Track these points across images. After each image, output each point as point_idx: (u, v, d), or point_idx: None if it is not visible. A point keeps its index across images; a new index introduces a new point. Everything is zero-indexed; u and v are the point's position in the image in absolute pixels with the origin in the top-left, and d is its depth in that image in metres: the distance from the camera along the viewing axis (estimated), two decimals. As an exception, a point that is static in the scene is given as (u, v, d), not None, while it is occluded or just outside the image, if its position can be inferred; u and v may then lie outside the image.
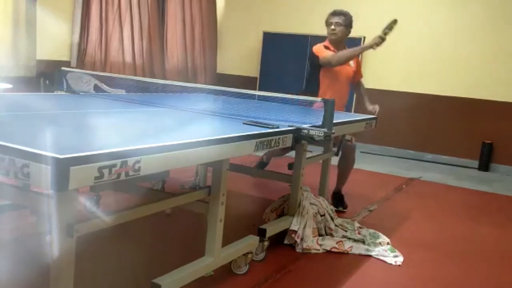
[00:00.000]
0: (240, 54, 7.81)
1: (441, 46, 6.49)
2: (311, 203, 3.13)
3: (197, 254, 2.35)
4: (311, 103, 3.68)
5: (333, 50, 3.88)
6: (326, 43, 3.97)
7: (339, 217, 3.35)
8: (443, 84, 6.51)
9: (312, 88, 3.95)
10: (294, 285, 2.53)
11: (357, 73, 4.14)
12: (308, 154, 3.24)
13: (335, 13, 3.94)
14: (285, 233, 3.02)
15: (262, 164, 4.59)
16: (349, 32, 4.01)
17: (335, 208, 3.68)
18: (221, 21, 7.84)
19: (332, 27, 3.90)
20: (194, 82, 6.75)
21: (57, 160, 1.28)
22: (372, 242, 3.09)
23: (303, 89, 4.28)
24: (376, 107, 4.01)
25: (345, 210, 3.91)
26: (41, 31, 4.93)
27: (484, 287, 2.75)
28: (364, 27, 6.78)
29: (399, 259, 2.93)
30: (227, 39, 7.94)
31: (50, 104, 2.70)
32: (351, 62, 3.98)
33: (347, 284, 2.58)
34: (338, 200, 3.97)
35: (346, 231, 3.18)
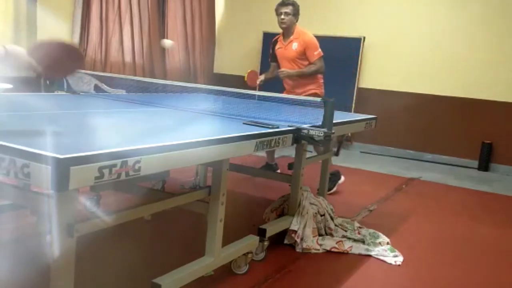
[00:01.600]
0: (240, 54, 7.81)
1: (441, 46, 6.49)
2: (311, 203, 3.13)
3: (197, 254, 2.35)
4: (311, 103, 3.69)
5: (281, 40, 4.39)
6: (279, 36, 4.45)
7: (339, 217, 3.35)
8: (443, 84, 6.51)
9: None
10: (294, 285, 2.53)
11: (306, 56, 4.31)
12: (308, 154, 3.25)
13: (283, 3, 4.30)
14: (285, 233, 3.02)
15: (270, 167, 4.71)
16: (297, 19, 4.35)
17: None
18: (221, 22, 7.85)
19: (282, 16, 4.28)
20: (193, 82, 6.75)
21: (57, 160, 1.28)
22: (372, 242, 3.09)
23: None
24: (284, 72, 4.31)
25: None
26: (41, 31, 4.93)
27: (484, 287, 2.75)
28: (364, 28, 6.81)
29: (399, 259, 2.93)
30: (227, 39, 7.95)
31: (51, 104, 2.70)
32: (295, 44, 4.30)
33: (347, 284, 2.59)
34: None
35: (346, 231, 3.18)
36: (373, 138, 6.82)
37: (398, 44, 6.73)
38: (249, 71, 4.51)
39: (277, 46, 4.46)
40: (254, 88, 4.40)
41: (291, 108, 3.58)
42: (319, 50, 4.28)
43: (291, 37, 4.32)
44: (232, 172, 2.88)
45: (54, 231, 1.66)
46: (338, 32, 6.66)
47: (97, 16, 5.55)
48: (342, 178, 4.46)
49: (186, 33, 6.88)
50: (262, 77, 4.50)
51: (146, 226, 3.09)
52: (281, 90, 4.44)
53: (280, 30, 4.42)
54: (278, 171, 4.61)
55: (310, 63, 4.29)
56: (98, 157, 1.39)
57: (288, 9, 4.25)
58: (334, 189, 4.36)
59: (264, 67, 7.40)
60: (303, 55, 4.28)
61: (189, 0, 6.86)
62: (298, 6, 4.32)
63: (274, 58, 4.52)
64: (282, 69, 4.32)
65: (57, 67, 1.82)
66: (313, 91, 4.32)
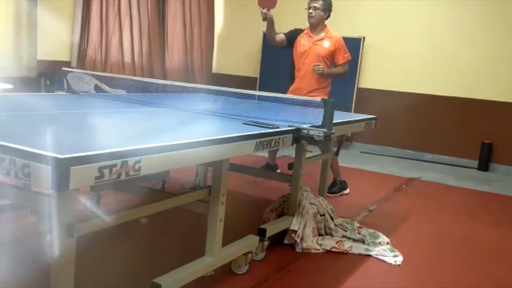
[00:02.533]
0: (240, 55, 7.81)
1: (441, 46, 6.49)
2: (311, 203, 3.13)
3: (197, 254, 2.35)
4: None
5: (310, 34, 4.22)
6: (306, 27, 4.27)
7: (338, 217, 3.35)
8: (443, 84, 6.51)
9: (292, 71, 4.40)
10: (294, 284, 2.53)
11: (334, 57, 4.23)
12: (308, 154, 3.25)
13: None
14: (285, 233, 3.02)
15: (270, 167, 4.75)
16: (328, 15, 4.21)
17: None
18: (221, 22, 7.85)
19: (310, 10, 4.15)
20: (193, 82, 6.76)
21: (57, 160, 1.29)
22: (371, 241, 3.09)
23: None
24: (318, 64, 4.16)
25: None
26: (42, 31, 4.94)
27: (484, 286, 2.75)
28: (364, 28, 6.81)
29: (399, 259, 2.94)
30: (227, 40, 7.95)
31: (51, 104, 2.70)
32: (326, 42, 4.18)
33: (346, 283, 2.59)
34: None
35: (346, 231, 3.18)
36: (373, 138, 6.82)
37: (398, 44, 6.73)
38: None
39: (301, 39, 4.25)
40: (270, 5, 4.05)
41: (291, 108, 3.58)
42: (348, 53, 4.22)
43: (322, 34, 4.20)
44: (232, 172, 2.88)
45: (54, 231, 1.66)
46: (338, 32, 6.65)
47: (97, 16, 5.55)
48: (348, 190, 4.41)
49: (185, 33, 6.88)
50: (270, 13, 4.10)
51: (146, 226, 3.09)
52: (285, 90, 4.36)
53: (284, 31, 4.30)
54: (278, 171, 4.61)
55: (337, 65, 4.21)
56: (98, 157, 1.39)
57: (318, 3, 4.11)
58: (338, 194, 4.34)
59: (264, 67, 7.42)
60: (332, 55, 4.20)
61: (189, 1, 6.86)
62: (330, 1, 4.17)
63: (290, 40, 4.27)
64: (319, 64, 4.13)
65: None
66: (319, 96, 4.15)
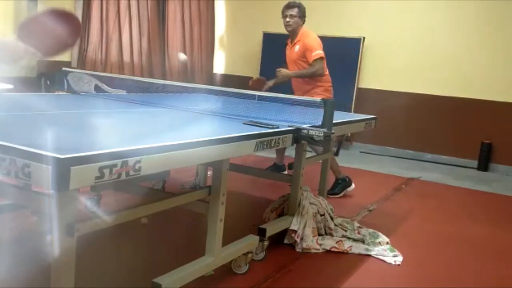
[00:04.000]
0: (240, 55, 7.81)
1: (441, 47, 6.49)
2: (311, 203, 3.14)
3: (197, 254, 2.35)
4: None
5: (289, 43, 4.41)
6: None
7: (338, 217, 3.36)
8: (443, 84, 6.51)
9: None
10: (294, 284, 2.53)
11: (304, 57, 4.30)
12: (308, 154, 3.25)
13: (288, 6, 4.30)
14: (285, 232, 3.02)
15: (278, 168, 4.74)
16: (303, 21, 4.34)
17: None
18: (221, 22, 7.85)
19: (287, 19, 4.28)
20: (192, 82, 6.76)
21: (58, 160, 1.29)
22: (371, 241, 3.09)
23: None
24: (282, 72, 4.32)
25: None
26: (41, 31, 4.93)
27: (484, 286, 2.75)
28: (364, 28, 6.81)
29: (399, 259, 2.94)
30: (227, 40, 7.95)
31: (51, 104, 2.71)
32: (297, 47, 4.32)
33: (346, 283, 2.59)
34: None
35: (345, 230, 3.19)
36: (372, 138, 6.83)
37: (398, 44, 6.73)
38: (254, 78, 4.54)
39: (287, 48, 4.49)
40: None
41: (291, 108, 3.58)
42: (318, 51, 4.20)
43: (296, 39, 4.33)
44: (232, 172, 2.88)
45: (55, 230, 1.66)
46: (337, 32, 6.66)
47: (98, 16, 5.55)
48: (353, 185, 4.39)
49: (186, 33, 6.89)
50: (270, 83, 4.42)
51: (146, 226, 3.10)
52: (285, 91, 4.37)
53: (284, 31, 4.42)
54: (285, 172, 4.60)
55: (309, 65, 4.27)
56: (99, 157, 1.39)
57: (294, 11, 4.24)
58: (341, 194, 4.33)
59: (264, 67, 7.41)
60: (304, 57, 4.27)
61: (189, 1, 6.87)
62: (304, 8, 4.32)
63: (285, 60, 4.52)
64: (280, 69, 4.32)
65: (54, 40, 1.47)
66: (319, 96, 4.16)
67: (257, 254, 2.74)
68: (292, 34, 4.35)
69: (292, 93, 4.44)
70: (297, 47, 4.30)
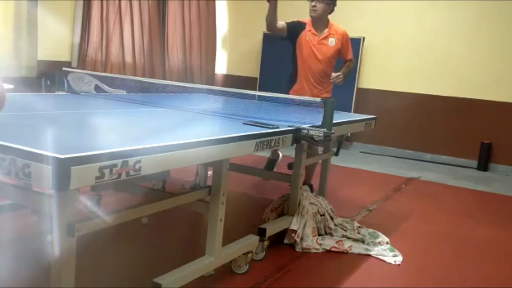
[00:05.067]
0: (240, 55, 7.82)
1: (440, 47, 6.49)
2: (310, 203, 3.14)
3: (197, 254, 2.36)
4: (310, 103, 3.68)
5: (313, 32, 3.95)
6: (306, 20, 3.99)
7: (338, 216, 3.36)
8: (442, 85, 6.51)
9: (292, 68, 4.11)
10: (294, 284, 2.54)
11: (341, 52, 4.06)
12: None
13: None
14: (285, 232, 3.03)
15: (271, 162, 4.60)
16: (331, 9, 3.96)
17: None
18: (221, 22, 7.85)
19: (313, 3, 3.88)
20: (194, 82, 6.76)
21: (58, 160, 1.29)
22: (371, 241, 3.10)
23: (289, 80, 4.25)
24: (336, 74, 3.97)
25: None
26: (42, 31, 4.94)
27: (483, 286, 2.76)
28: (364, 28, 6.81)
29: (398, 259, 2.94)
30: (227, 40, 7.95)
31: (51, 105, 2.71)
32: (332, 40, 3.97)
33: (346, 283, 2.60)
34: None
35: (345, 230, 3.19)
36: (372, 138, 6.83)
37: (397, 44, 6.73)
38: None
39: (306, 35, 3.96)
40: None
41: (291, 108, 3.59)
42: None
43: (326, 31, 3.96)
44: (232, 172, 2.88)
45: (55, 230, 1.66)
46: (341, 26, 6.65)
47: (98, 16, 5.55)
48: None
49: (186, 34, 6.89)
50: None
51: (146, 226, 3.10)
52: (285, 91, 4.15)
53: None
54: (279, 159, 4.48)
55: (346, 61, 4.07)
56: (99, 157, 1.39)
57: None
58: None
59: (264, 67, 7.42)
60: (338, 52, 4.01)
61: (190, 2, 6.87)
62: None
63: (292, 33, 3.96)
64: (339, 75, 3.93)
65: None
66: (326, 95, 4.08)
67: (257, 254, 2.74)
68: (317, 22, 3.93)
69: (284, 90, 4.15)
70: (332, 41, 3.95)
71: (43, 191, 1.69)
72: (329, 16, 4.04)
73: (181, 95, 4.05)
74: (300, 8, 4.19)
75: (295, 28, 3.98)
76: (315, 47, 3.96)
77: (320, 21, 3.95)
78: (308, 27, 3.98)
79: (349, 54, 4.07)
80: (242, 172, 3.63)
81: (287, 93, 4.05)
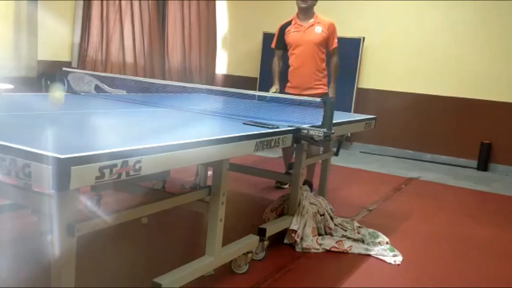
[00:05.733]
0: (240, 55, 7.82)
1: (440, 47, 6.50)
2: (310, 203, 3.14)
3: (197, 254, 2.36)
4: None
5: (299, 23, 4.12)
6: (291, 17, 4.19)
7: (338, 216, 3.36)
8: (442, 85, 6.52)
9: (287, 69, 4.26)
10: (294, 284, 2.54)
11: (328, 43, 4.17)
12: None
13: None
14: (285, 232, 3.03)
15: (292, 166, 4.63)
16: (316, 1, 4.16)
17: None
18: (221, 22, 7.85)
19: None
20: (194, 82, 6.76)
21: (58, 160, 1.29)
22: (371, 241, 3.10)
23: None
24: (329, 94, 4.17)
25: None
26: (42, 31, 4.94)
27: (483, 286, 2.76)
28: (364, 28, 6.81)
29: (398, 259, 2.94)
30: (227, 40, 7.96)
31: (51, 105, 2.71)
32: (318, 28, 4.10)
33: (346, 283, 2.60)
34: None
35: (345, 230, 3.19)
36: (372, 138, 6.84)
37: (397, 44, 6.73)
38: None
39: (291, 30, 4.15)
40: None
41: (291, 108, 3.59)
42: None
43: (312, 21, 4.11)
44: (232, 172, 2.89)
45: (55, 230, 1.67)
46: (337, 32, 6.65)
47: (98, 17, 5.56)
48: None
49: (186, 34, 6.89)
50: (274, 88, 4.24)
51: (146, 226, 3.10)
52: (282, 89, 4.29)
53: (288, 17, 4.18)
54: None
55: (329, 51, 4.16)
56: (99, 157, 1.39)
57: None
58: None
59: (264, 67, 7.42)
60: (326, 41, 4.11)
61: (190, 2, 6.87)
62: None
63: (282, 44, 4.22)
64: (330, 90, 4.15)
65: None
66: (321, 91, 4.16)
67: (257, 254, 2.74)
68: (304, 13, 4.10)
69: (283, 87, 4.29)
70: (318, 29, 4.08)
71: (43, 191, 1.69)
72: (334, 17, 4.24)
73: (181, 95, 4.05)
74: (316, 9, 4.30)
75: (281, 37, 4.22)
76: (303, 34, 4.11)
77: (308, 12, 4.11)
78: (294, 21, 4.16)
79: (334, 43, 4.17)
80: (242, 172, 3.63)
81: (283, 92, 4.15)
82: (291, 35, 4.15)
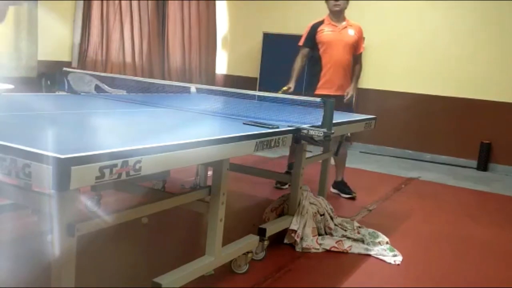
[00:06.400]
0: (240, 55, 7.82)
1: (440, 47, 6.50)
2: (310, 203, 3.14)
3: (197, 254, 2.36)
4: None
5: (332, 23, 4.17)
6: (325, 17, 4.24)
7: (338, 216, 3.36)
8: (442, 85, 6.52)
9: (314, 70, 4.23)
10: (294, 284, 2.54)
11: (356, 47, 4.25)
12: (308, 154, 3.26)
13: None
14: (285, 232, 3.03)
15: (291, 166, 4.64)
16: (348, 3, 4.24)
17: (346, 195, 4.26)
18: (221, 22, 7.86)
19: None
20: (194, 82, 6.77)
21: (58, 160, 1.29)
22: (371, 241, 3.10)
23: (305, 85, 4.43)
24: (350, 91, 4.20)
25: (354, 195, 4.23)
26: (42, 31, 4.94)
27: (483, 286, 2.76)
28: (364, 28, 6.80)
29: (398, 259, 2.95)
30: (227, 40, 7.96)
31: (52, 105, 2.71)
32: (351, 31, 4.19)
33: (346, 283, 2.60)
34: (342, 186, 4.34)
35: (345, 230, 3.19)
36: (372, 138, 6.84)
37: (398, 44, 6.74)
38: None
39: (324, 29, 4.16)
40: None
41: (291, 108, 3.59)
42: None
43: (344, 23, 4.19)
44: (232, 172, 2.89)
45: (55, 230, 1.67)
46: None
47: (98, 17, 5.56)
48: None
49: (186, 34, 6.89)
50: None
51: (146, 225, 3.11)
52: (304, 91, 4.27)
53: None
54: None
55: (355, 55, 4.23)
56: (99, 157, 1.39)
57: None
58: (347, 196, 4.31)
59: (264, 67, 7.42)
60: (356, 44, 4.20)
61: (190, 2, 6.87)
62: None
63: (311, 43, 4.20)
64: (348, 92, 4.15)
65: None
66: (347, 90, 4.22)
67: (257, 253, 2.74)
68: (338, 15, 4.16)
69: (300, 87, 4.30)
70: (351, 31, 4.17)
71: (43, 191, 1.69)
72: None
73: (181, 95, 4.05)
74: (316, 9, 4.31)
75: (312, 35, 4.19)
76: (338, 34, 4.16)
77: (340, 15, 4.19)
78: (327, 21, 4.20)
79: (361, 47, 4.28)
80: (242, 172, 3.63)
81: (312, 94, 4.14)
82: (325, 34, 4.15)
